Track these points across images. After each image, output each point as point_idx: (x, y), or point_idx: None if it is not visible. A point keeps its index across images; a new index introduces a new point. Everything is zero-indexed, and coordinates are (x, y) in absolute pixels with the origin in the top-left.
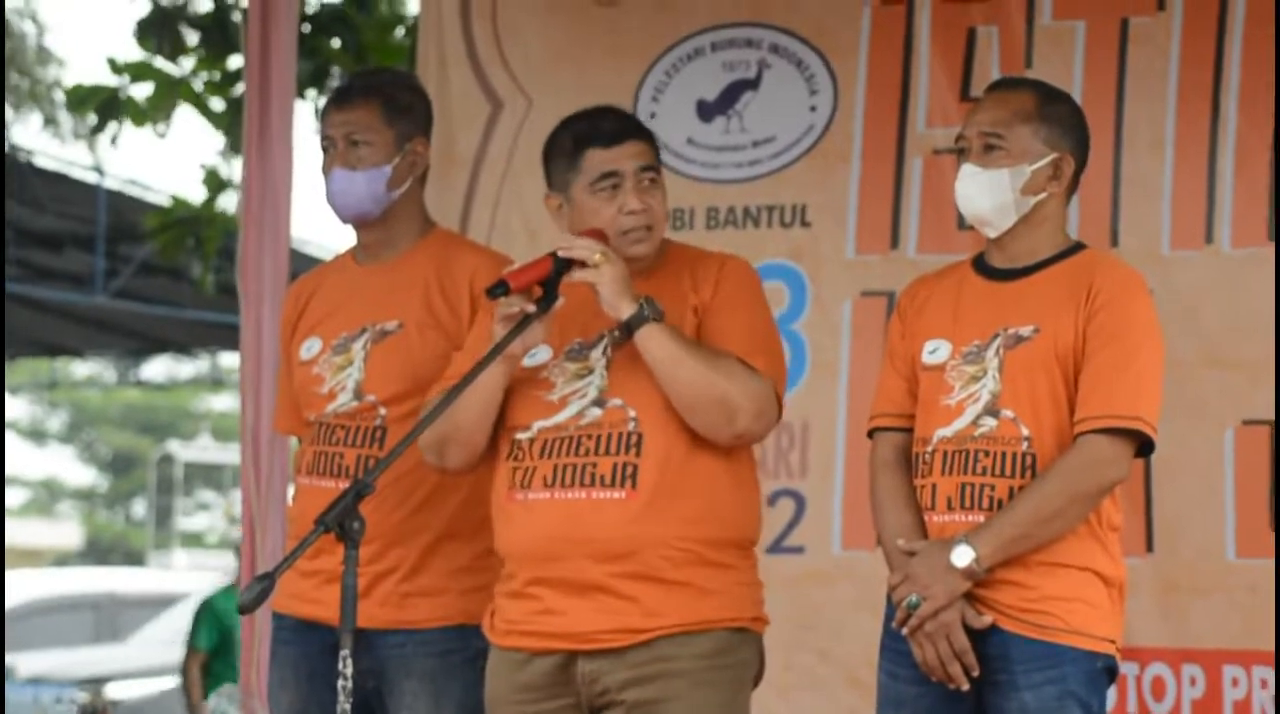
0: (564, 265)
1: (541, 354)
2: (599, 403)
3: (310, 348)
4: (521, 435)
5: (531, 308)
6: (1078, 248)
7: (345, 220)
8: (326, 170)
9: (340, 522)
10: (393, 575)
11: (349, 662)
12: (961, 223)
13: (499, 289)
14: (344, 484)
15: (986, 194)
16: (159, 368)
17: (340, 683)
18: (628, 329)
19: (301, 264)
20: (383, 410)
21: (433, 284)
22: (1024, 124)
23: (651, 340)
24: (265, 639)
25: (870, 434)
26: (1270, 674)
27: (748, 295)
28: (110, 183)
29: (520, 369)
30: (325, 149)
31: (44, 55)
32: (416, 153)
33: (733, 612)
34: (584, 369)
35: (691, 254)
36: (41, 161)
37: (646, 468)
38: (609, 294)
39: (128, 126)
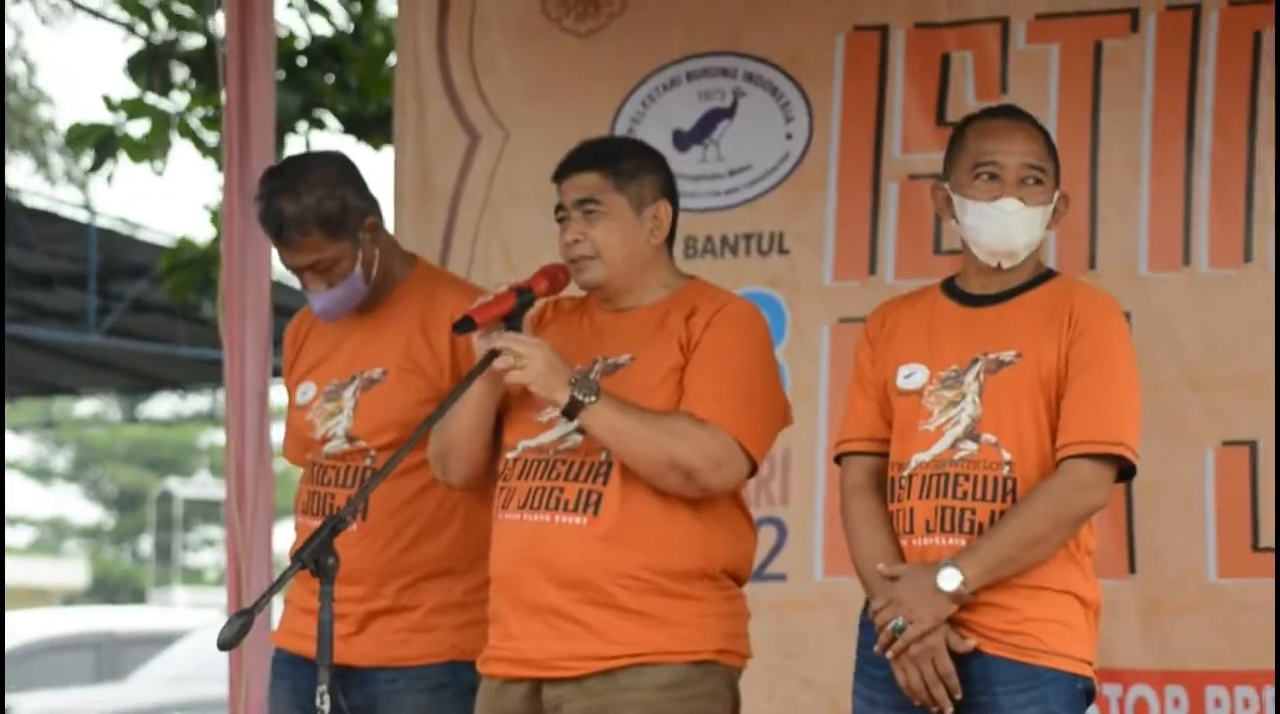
0: (529, 299)
1: None
2: (581, 429)
3: (305, 392)
4: (510, 455)
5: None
6: (1050, 274)
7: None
8: (303, 287)
9: (316, 557)
10: (385, 613)
11: (326, 698)
12: (938, 247)
13: (465, 325)
14: None
15: (1025, 231)
16: (163, 405)
17: None
18: (568, 416)
19: (285, 298)
20: (373, 453)
21: (415, 329)
22: (1051, 159)
23: (594, 421)
24: (251, 677)
25: (838, 460)
26: (1253, 694)
27: (729, 341)
28: (101, 221)
29: (517, 386)
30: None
31: (35, 95)
32: (370, 234)
33: (693, 644)
34: None
35: (701, 293)
36: (31, 200)
37: (610, 496)
38: (540, 390)
39: (124, 164)
